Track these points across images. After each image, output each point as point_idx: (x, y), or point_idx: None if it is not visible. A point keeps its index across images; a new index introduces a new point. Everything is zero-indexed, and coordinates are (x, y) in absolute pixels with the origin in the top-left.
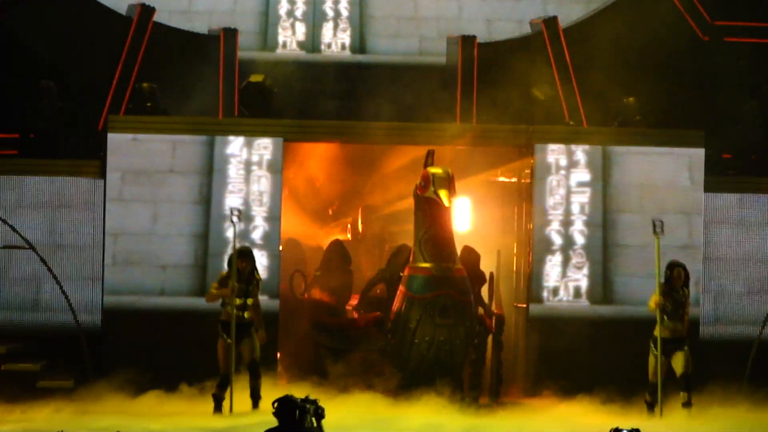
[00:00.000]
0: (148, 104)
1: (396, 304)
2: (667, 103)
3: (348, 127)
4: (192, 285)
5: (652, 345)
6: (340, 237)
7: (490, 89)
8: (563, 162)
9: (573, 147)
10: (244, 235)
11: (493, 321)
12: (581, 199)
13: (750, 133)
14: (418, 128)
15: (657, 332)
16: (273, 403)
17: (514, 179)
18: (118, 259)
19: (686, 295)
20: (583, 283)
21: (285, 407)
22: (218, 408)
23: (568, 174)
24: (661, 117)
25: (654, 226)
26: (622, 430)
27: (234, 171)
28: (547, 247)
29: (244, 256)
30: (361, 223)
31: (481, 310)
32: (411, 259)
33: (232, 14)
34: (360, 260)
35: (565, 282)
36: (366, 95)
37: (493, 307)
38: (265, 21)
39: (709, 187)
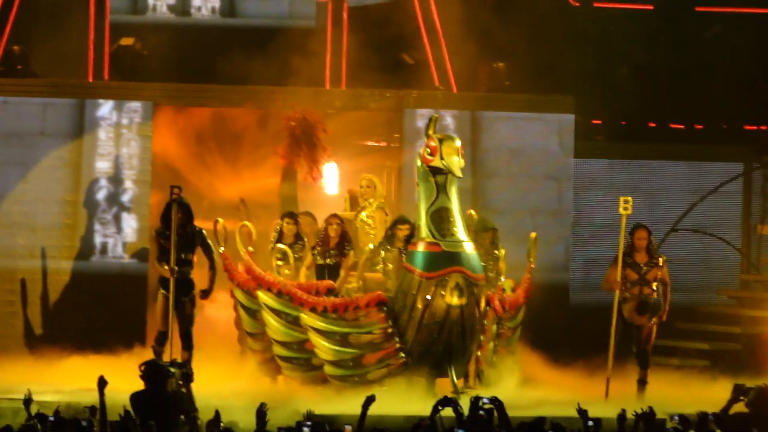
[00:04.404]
0: (19, 67)
1: (399, 284)
2: (537, 68)
3: (218, 91)
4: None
5: None
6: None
7: (360, 53)
8: None
9: (443, 112)
10: (114, 197)
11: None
12: None
13: (621, 100)
14: (288, 92)
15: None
16: (140, 366)
17: (383, 143)
18: None
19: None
20: None
21: (150, 371)
22: None
23: None
24: (531, 83)
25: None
26: (482, 398)
27: (104, 134)
28: None
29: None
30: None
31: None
32: (416, 234)
33: None
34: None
35: None
36: (236, 59)
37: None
38: None
39: (579, 153)
